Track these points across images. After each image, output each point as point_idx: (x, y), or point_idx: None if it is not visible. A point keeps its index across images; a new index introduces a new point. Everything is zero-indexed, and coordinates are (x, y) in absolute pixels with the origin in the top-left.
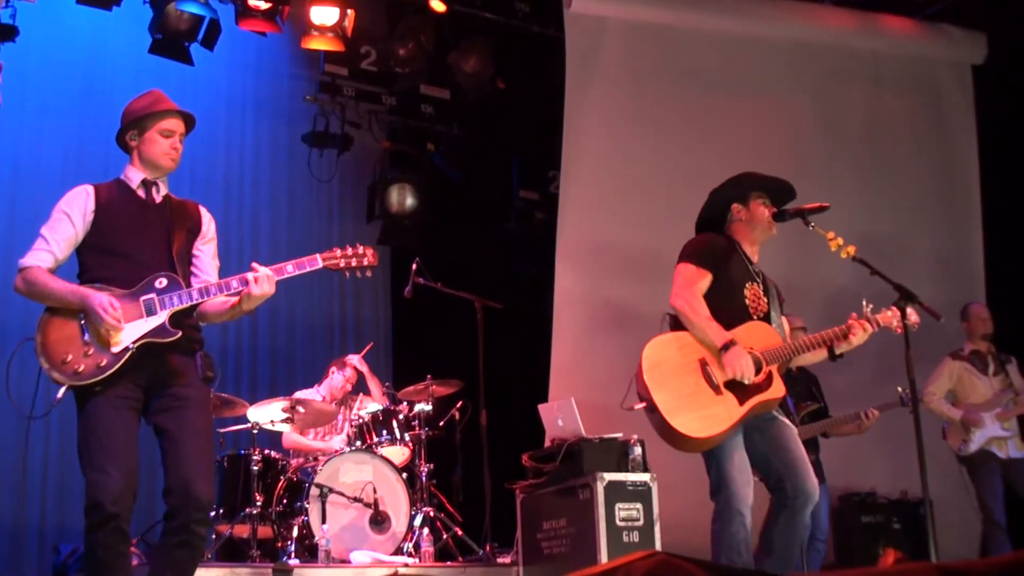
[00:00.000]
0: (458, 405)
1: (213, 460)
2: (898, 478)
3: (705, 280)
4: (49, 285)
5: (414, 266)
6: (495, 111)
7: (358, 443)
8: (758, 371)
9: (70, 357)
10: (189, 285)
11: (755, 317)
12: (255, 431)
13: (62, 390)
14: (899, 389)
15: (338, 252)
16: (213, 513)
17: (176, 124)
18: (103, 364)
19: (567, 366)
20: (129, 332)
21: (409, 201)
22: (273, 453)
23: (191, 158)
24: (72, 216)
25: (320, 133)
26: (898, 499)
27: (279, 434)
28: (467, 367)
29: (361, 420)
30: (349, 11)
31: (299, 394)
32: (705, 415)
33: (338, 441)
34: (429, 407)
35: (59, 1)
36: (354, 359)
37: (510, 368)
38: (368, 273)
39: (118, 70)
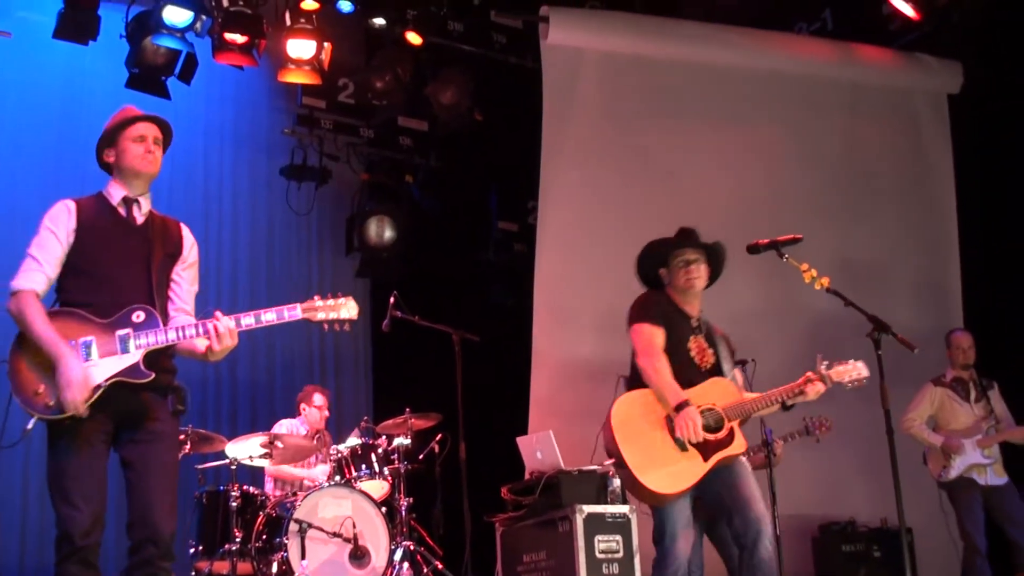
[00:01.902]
0: (437, 438)
1: (177, 496)
2: (878, 506)
3: (661, 336)
4: (34, 325)
5: (392, 299)
6: (473, 143)
7: (337, 478)
8: (721, 427)
9: (42, 389)
10: (166, 314)
11: (703, 369)
12: (234, 467)
13: (32, 421)
14: (804, 419)
15: (319, 302)
16: (192, 550)
17: (147, 128)
18: (81, 412)
19: (546, 398)
20: (102, 369)
21: (388, 233)
22: (252, 489)
23: (169, 189)
24: (58, 233)
25: (298, 166)
26: (878, 527)
27: (258, 469)
28: (447, 399)
29: (340, 454)
30: (326, 44)
31: (282, 423)
32: (672, 472)
33: (321, 471)
34: (408, 441)
35: (35, 36)
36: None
37: (490, 400)
38: (347, 327)
39: (95, 105)
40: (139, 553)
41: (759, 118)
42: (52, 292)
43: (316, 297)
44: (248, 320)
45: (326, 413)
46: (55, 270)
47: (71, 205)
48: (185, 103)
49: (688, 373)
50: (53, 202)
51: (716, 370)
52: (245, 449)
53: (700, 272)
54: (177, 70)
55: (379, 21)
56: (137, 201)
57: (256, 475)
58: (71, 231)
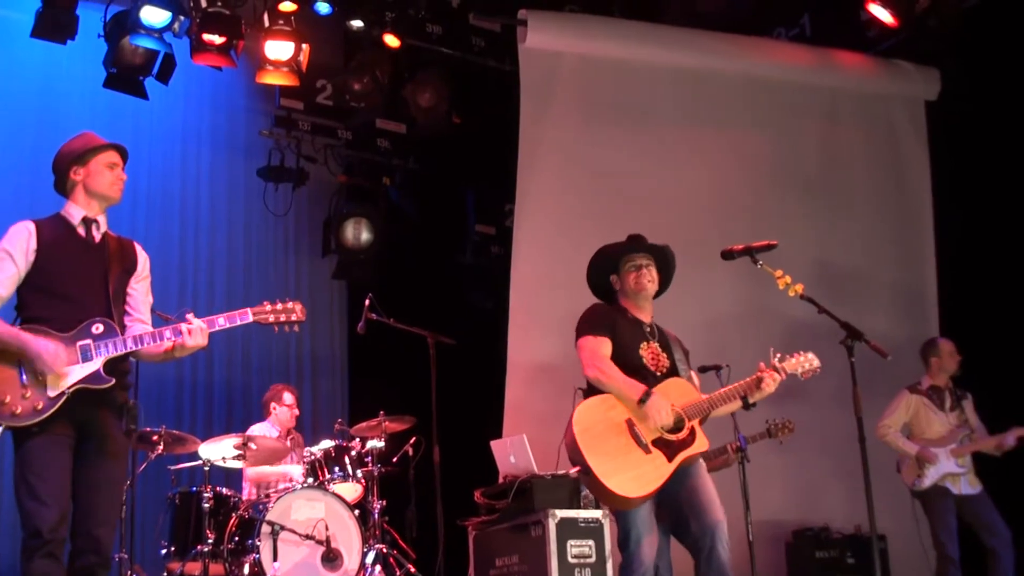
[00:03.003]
0: (411, 441)
1: (120, 510)
2: (852, 513)
3: (607, 346)
4: None
5: (367, 302)
6: (451, 145)
7: (310, 480)
8: (681, 427)
9: (8, 399)
10: (123, 324)
11: (658, 374)
12: (207, 468)
13: (0, 429)
14: (766, 420)
15: (268, 307)
16: (164, 551)
17: (116, 157)
18: (40, 407)
19: (521, 402)
20: (66, 378)
21: (365, 235)
22: (225, 490)
23: (148, 191)
24: (15, 255)
25: (276, 167)
26: (852, 534)
27: (233, 471)
28: (422, 402)
29: (313, 456)
30: (304, 46)
31: (253, 428)
32: (638, 475)
33: (296, 470)
34: (382, 443)
35: (13, 35)
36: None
37: (465, 403)
38: (296, 328)
39: (73, 104)
40: (79, 560)
41: (737, 123)
42: (11, 310)
43: (266, 303)
44: (221, 321)
45: (296, 411)
46: (8, 289)
47: (31, 227)
48: (163, 103)
49: (643, 379)
50: (31, 200)
51: (671, 374)
52: (218, 450)
53: (651, 276)
54: (155, 70)
55: (357, 23)
56: (96, 221)
57: (231, 477)
58: (31, 251)
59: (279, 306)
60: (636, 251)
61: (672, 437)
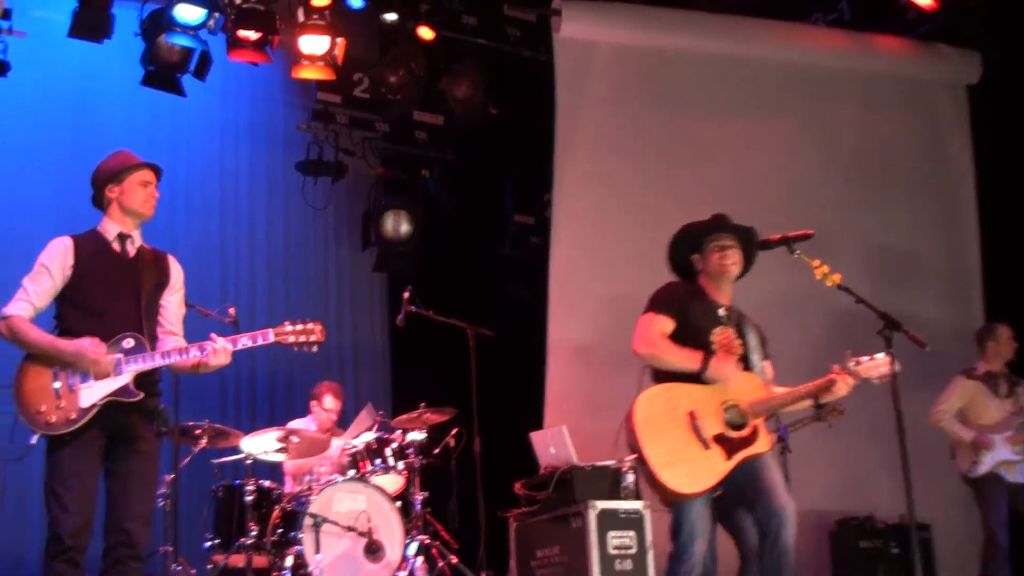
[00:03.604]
0: (453, 432)
1: (153, 508)
2: (898, 502)
3: (666, 324)
4: (29, 335)
5: (406, 294)
6: (489, 136)
7: (352, 472)
8: (744, 424)
9: (43, 408)
10: (154, 337)
11: None
12: (249, 461)
13: (35, 437)
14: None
15: (288, 327)
16: (208, 543)
17: (150, 175)
18: (72, 417)
19: (562, 392)
20: (97, 389)
21: (404, 228)
22: (267, 483)
23: (187, 187)
24: (52, 270)
25: (314, 161)
26: (896, 523)
27: (276, 465)
28: (464, 394)
29: (355, 449)
30: (339, 39)
31: (293, 424)
32: (693, 470)
33: (336, 445)
34: (423, 435)
35: (50, 35)
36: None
37: (506, 394)
38: (315, 348)
39: (111, 102)
40: (113, 553)
41: (775, 111)
42: (51, 320)
43: (287, 323)
44: (245, 341)
45: (334, 417)
46: (43, 301)
47: (68, 243)
48: (201, 99)
49: None
50: (72, 200)
51: (743, 362)
52: (260, 444)
53: (735, 258)
54: (192, 67)
55: (391, 16)
56: (131, 236)
57: (271, 470)
58: (68, 266)
59: (299, 327)
60: (721, 231)
61: (734, 434)
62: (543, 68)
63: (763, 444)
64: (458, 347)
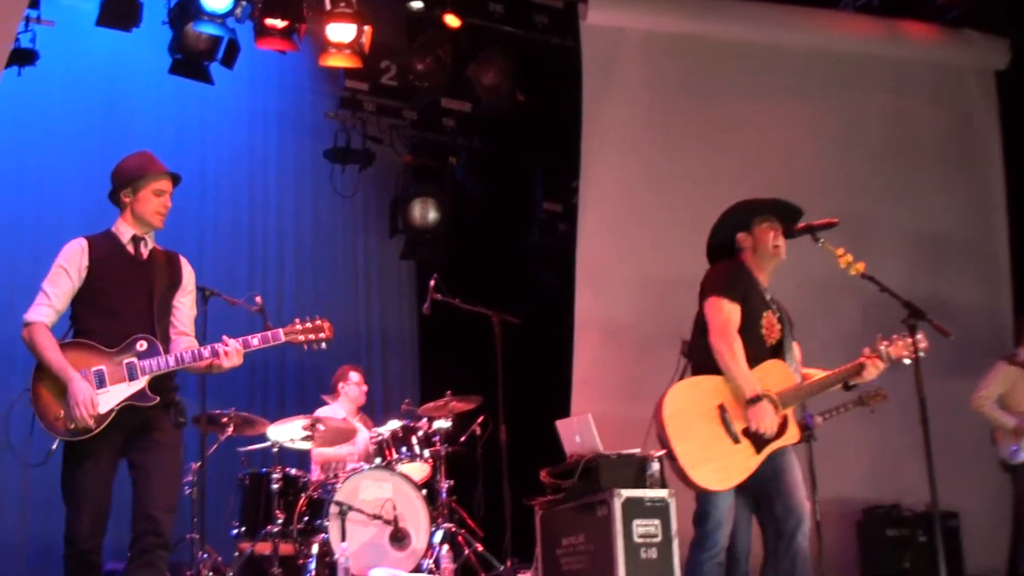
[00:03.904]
0: (479, 420)
1: (177, 497)
2: (925, 490)
3: (735, 311)
4: (45, 353)
5: (432, 282)
6: (516, 123)
7: (378, 460)
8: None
9: (62, 414)
10: (167, 339)
11: (768, 345)
12: (275, 449)
13: (56, 442)
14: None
15: (299, 326)
16: (235, 531)
17: (167, 184)
18: (91, 424)
19: (589, 380)
20: (114, 394)
21: (432, 215)
22: (294, 471)
23: (216, 175)
24: (69, 271)
25: (342, 149)
26: (924, 511)
27: (304, 452)
28: (491, 381)
29: (380, 437)
30: (366, 27)
31: (320, 411)
32: (722, 466)
33: (362, 438)
34: (449, 423)
35: (78, 24)
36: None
37: (534, 382)
38: (324, 346)
39: (140, 91)
40: (140, 542)
41: (803, 97)
42: (67, 320)
43: (296, 321)
44: (255, 341)
45: (364, 388)
46: (63, 303)
47: (84, 244)
48: (229, 87)
49: (756, 350)
50: (100, 188)
51: (779, 345)
52: (287, 432)
53: (783, 241)
54: (219, 55)
55: (417, 4)
56: (144, 239)
57: (297, 458)
58: (84, 267)
59: (308, 324)
60: (774, 212)
61: (771, 434)
62: (571, 55)
63: (792, 435)
64: (486, 335)
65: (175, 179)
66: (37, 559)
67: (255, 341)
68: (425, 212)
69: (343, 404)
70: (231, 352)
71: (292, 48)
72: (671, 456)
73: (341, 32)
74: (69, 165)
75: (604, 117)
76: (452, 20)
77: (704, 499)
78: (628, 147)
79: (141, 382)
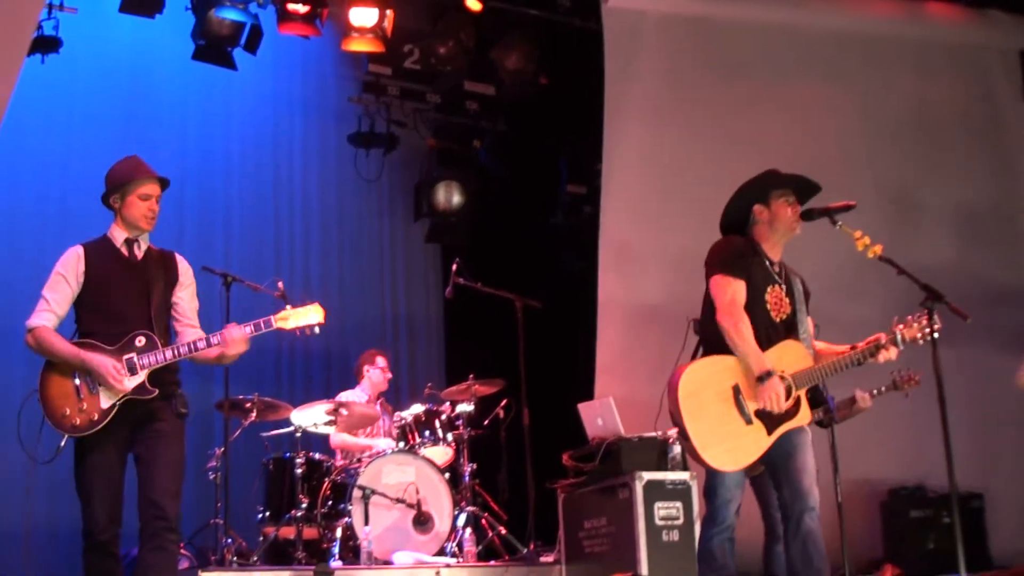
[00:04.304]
0: (502, 404)
1: (182, 483)
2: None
3: (740, 288)
4: (55, 347)
5: (454, 266)
6: (540, 106)
7: (400, 444)
8: (787, 396)
9: (68, 411)
10: (167, 334)
11: (777, 320)
12: (298, 434)
13: (64, 439)
14: (892, 372)
15: (288, 311)
16: (260, 515)
17: (153, 188)
18: (95, 419)
19: (613, 363)
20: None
21: (456, 198)
22: (317, 455)
23: (241, 159)
24: (68, 278)
25: (366, 133)
26: (948, 492)
27: (325, 436)
28: (516, 365)
29: (403, 421)
30: (388, 11)
31: (342, 396)
32: (734, 447)
33: (384, 442)
34: (471, 407)
35: (101, 11)
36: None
37: (557, 365)
38: (316, 331)
39: (164, 77)
40: (149, 527)
41: (825, 78)
42: (72, 324)
43: (287, 307)
44: (248, 329)
45: (389, 374)
46: (63, 308)
47: (80, 251)
48: (253, 73)
49: (763, 326)
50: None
51: (791, 321)
52: (310, 416)
53: (799, 219)
54: (243, 41)
55: None
56: (137, 241)
57: (321, 443)
58: (81, 273)
59: (299, 309)
60: (789, 186)
61: (780, 411)
62: (594, 37)
63: (804, 417)
64: (510, 318)
65: (163, 183)
66: (42, 551)
67: (248, 329)
68: (449, 195)
69: (365, 388)
70: (235, 339)
71: (314, 33)
72: (684, 436)
73: (363, 16)
74: (94, 152)
75: (626, 99)
76: (473, 3)
77: (711, 475)
78: (650, 128)
79: (140, 376)
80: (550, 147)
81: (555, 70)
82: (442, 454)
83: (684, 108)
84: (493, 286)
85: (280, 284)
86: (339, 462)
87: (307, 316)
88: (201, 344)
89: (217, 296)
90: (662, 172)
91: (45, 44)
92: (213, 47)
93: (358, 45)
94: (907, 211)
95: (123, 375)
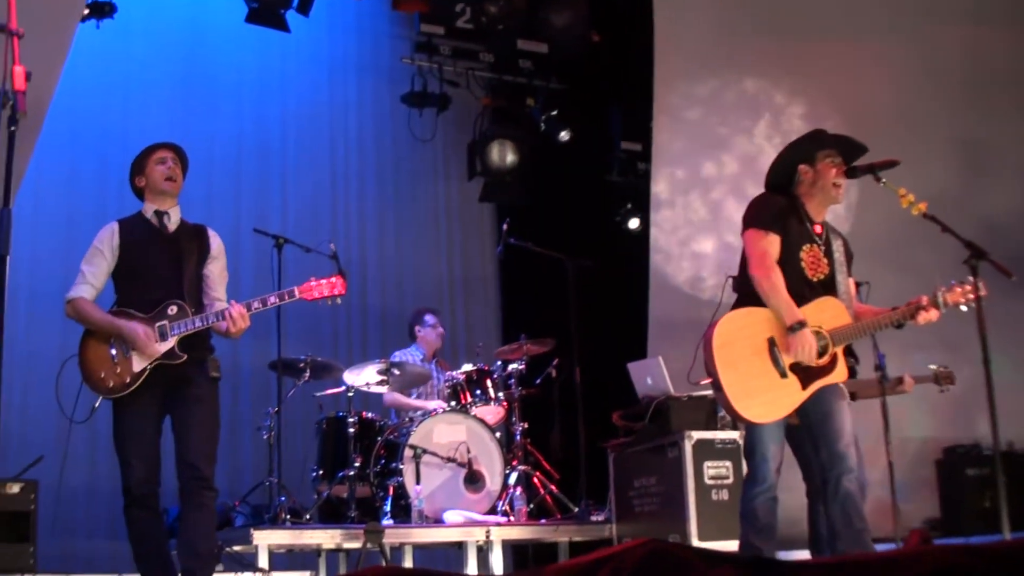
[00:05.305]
0: (554, 363)
1: (217, 444)
2: (1005, 429)
3: (773, 242)
4: (92, 315)
5: (504, 227)
6: (593, 63)
7: (452, 403)
8: (824, 352)
9: (103, 374)
10: (198, 306)
11: (814, 279)
12: (350, 394)
13: (99, 400)
14: (935, 368)
15: (313, 283)
16: (314, 474)
17: (166, 152)
18: (128, 381)
19: (665, 320)
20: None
21: (510, 157)
22: (370, 415)
23: (297, 120)
24: (104, 252)
25: (419, 93)
26: (1005, 451)
27: (379, 396)
28: (568, 323)
29: (455, 380)
30: None
31: (396, 355)
32: (767, 400)
33: (435, 403)
34: (523, 366)
35: None
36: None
37: (612, 323)
38: (339, 301)
39: (217, 40)
40: (187, 487)
41: (875, 31)
42: (112, 294)
43: (312, 279)
44: (256, 304)
45: (440, 330)
46: (101, 281)
47: (115, 227)
48: (307, 34)
49: (797, 285)
50: (184, 138)
51: (829, 281)
52: (362, 377)
53: (844, 181)
54: (295, 3)
55: None
56: (167, 213)
57: (375, 402)
58: (116, 247)
59: (323, 281)
60: (835, 147)
61: (812, 363)
62: None
63: (840, 374)
64: (564, 277)
65: (177, 150)
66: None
67: (272, 299)
68: (503, 154)
69: (420, 347)
70: (235, 317)
71: None
72: (718, 387)
73: None
74: (151, 116)
75: (676, 55)
76: None
77: (750, 433)
78: (700, 83)
79: (171, 342)
80: (604, 104)
81: (606, 27)
82: (493, 413)
83: (733, 63)
84: (548, 245)
85: (332, 246)
86: (392, 421)
87: (329, 288)
88: (212, 319)
89: (270, 258)
90: (712, 125)
91: (99, 9)
92: (266, 10)
93: (409, 4)
94: (969, 164)
95: (154, 340)
